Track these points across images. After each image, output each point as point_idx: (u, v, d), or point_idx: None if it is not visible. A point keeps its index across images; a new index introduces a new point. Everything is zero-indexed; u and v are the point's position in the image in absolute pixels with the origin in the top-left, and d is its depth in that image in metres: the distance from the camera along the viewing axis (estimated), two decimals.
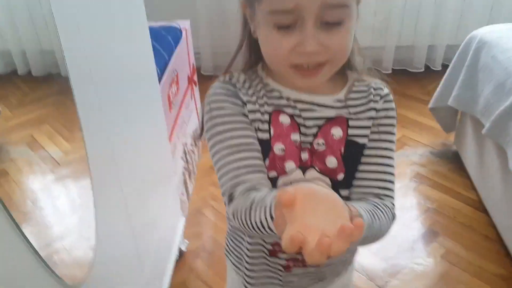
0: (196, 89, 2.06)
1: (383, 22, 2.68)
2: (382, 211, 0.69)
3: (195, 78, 2.06)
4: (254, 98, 0.72)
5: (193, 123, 1.96)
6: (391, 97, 0.76)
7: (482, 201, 1.82)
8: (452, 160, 2.09)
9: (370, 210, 0.66)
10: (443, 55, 2.76)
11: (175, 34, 1.75)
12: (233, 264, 0.89)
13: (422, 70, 2.80)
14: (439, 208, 1.84)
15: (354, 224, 0.47)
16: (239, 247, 0.86)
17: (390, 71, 2.82)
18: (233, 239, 0.87)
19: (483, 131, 1.66)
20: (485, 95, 1.70)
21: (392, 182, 0.74)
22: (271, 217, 0.59)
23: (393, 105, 0.76)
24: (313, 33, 0.62)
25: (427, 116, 2.31)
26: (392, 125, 0.75)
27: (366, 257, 1.63)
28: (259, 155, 0.71)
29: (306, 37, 0.62)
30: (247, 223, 0.66)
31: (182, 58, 1.82)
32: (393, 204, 0.73)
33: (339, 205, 0.52)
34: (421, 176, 2.01)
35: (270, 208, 0.60)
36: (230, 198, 0.69)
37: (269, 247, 0.80)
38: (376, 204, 0.70)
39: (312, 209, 0.50)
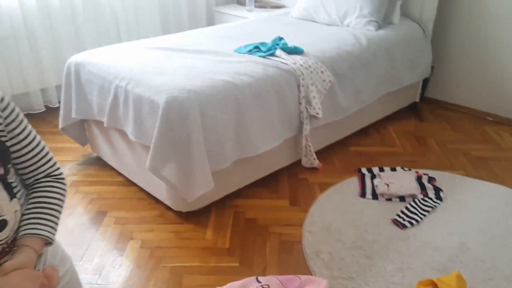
0: None
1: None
2: (59, 189, 0.92)
3: None
4: None
5: None
6: (6, 103, 0.84)
7: (128, 177, 2.37)
8: (99, 162, 2.56)
9: (51, 209, 0.89)
10: (56, 94, 3.20)
11: None
12: None
13: (44, 110, 3.16)
14: (99, 196, 2.27)
15: (46, 273, 0.79)
16: None
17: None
18: None
19: (105, 124, 2.19)
20: (95, 100, 2.23)
21: (49, 154, 0.93)
22: None
23: (10, 108, 0.84)
24: None
25: (64, 142, 2.71)
26: (20, 121, 0.87)
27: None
28: None
29: None
30: None
31: None
32: (59, 168, 0.96)
33: (31, 272, 0.79)
34: (76, 182, 2.38)
35: None
36: None
37: None
38: (51, 188, 0.91)
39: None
